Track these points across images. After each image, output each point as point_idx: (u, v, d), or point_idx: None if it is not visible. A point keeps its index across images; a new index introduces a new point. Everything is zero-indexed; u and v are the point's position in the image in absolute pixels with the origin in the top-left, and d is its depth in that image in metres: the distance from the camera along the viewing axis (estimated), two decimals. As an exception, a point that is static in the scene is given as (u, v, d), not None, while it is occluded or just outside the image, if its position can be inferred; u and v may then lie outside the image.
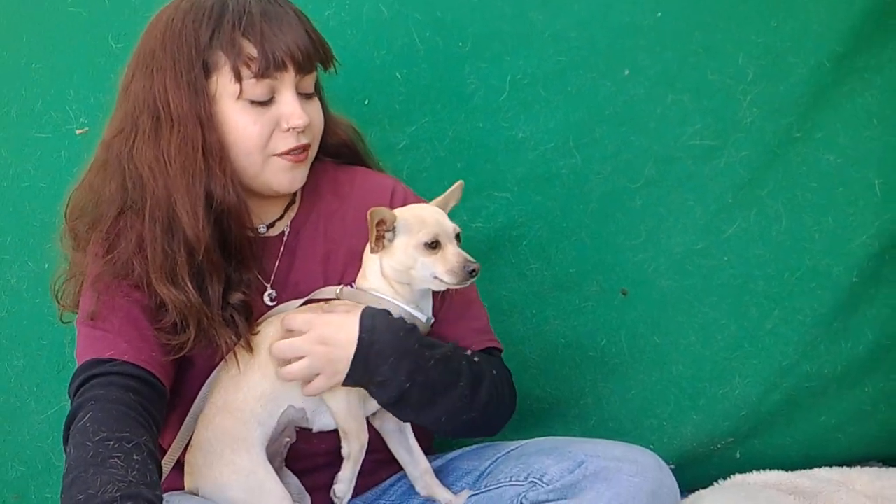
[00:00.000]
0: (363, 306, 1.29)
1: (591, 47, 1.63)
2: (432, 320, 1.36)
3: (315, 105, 1.37)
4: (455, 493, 1.38)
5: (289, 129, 1.31)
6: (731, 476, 1.58)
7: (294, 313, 1.32)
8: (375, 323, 1.27)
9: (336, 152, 1.48)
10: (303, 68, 1.30)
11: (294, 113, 1.30)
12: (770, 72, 1.61)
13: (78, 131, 1.65)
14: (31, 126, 1.66)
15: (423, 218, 1.31)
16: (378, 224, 1.29)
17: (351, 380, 1.28)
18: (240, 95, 1.29)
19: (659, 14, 1.62)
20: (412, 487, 1.40)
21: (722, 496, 1.34)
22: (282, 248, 1.41)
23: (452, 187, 1.37)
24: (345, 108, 1.52)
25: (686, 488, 1.32)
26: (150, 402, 1.23)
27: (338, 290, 1.35)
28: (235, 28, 1.27)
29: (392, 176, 1.53)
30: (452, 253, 1.30)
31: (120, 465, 1.09)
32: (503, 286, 1.68)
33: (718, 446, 1.68)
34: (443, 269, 1.29)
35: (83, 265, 1.33)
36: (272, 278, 1.40)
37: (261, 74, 1.27)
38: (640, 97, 1.64)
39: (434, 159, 1.66)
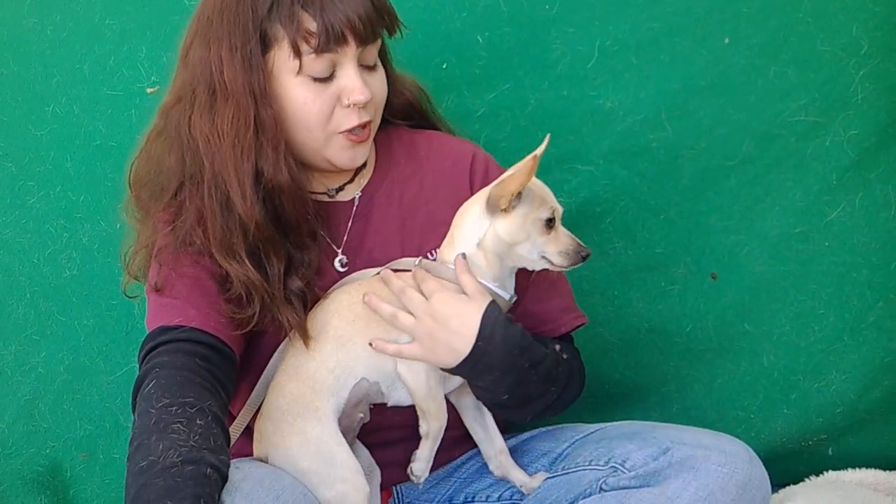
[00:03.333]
0: (490, 298, 1.31)
1: (688, 13, 1.62)
2: (515, 298, 1.38)
3: (378, 76, 1.38)
4: (530, 474, 1.41)
5: (350, 105, 1.33)
6: (824, 473, 1.58)
7: (427, 275, 1.34)
8: (495, 332, 1.29)
9: (403, 114, 1.51)
10: (365, 40, 1.32)
11: (355, 88, 1.32)
12: (887, 44, 1.58)
13: (149, 90, 1.71)
14: (103, 84, 1.73)
15: (545, 192, 1.33)
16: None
17: (450, 371, 1.32)
18: (299, 71, 1.31)
19: (765, -22, 1.59)
20: (485, 465, 1.44)
21: (816, 494, 1.35)
22: (352, 214, 1.45)
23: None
24: (421, 72, 1.55)
25: (774, 483, 1.32)
26: (218, 367, 1.28)
27: (416, 262, 1.38)
28: (295, 2, 1.28)
29: (470, 140, 1.55)
30: (565, 234, 1.33)
31: (182, 431, 1.14)
32: (584, 265, 1.65)
33: (810, 443, 1.68)
34: (554, 250, 1.31)
35: (150, 236, 1.39)
36: (343, 244, 1.44)
37: (321, 49, 1.29)
38: (740, 68, 1.62)
39: (514, 128, 1.67)
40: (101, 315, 1.79)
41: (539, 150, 1.29)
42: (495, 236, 1.33)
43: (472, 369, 1.31)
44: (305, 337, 1.34)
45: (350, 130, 1.35)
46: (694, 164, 1.66)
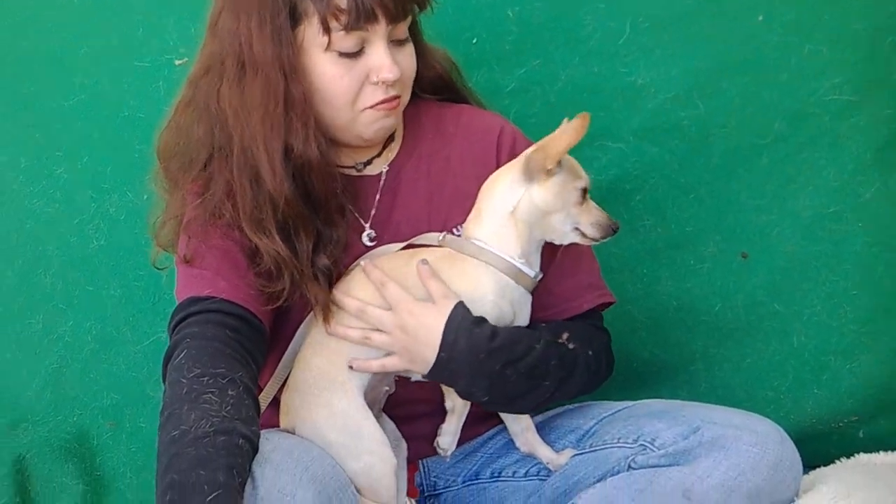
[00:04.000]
0: (455, 301, 1.29)
1: (722, -11, 1.59)
2: (541, 276, 1.37)
3: (407, 52, 1.36)
4: (557, 451, 1.40)
5: (378, 82, 1.31)
6: (855, 455, 1.55)
7: (387, 279, 1.33)
8: (459, 337, 1.27)
9: (432, 87, 1.48)
10: (395, 17, 1.29)
11: (384, 66, 1.30)
12: (925, 22, 1.55)
13: (177, 62, 1.69)
14: (131, 55, 1.72)
15: (577, 164, 1.33)
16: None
17: (425, 378, 1.32)
18: (328, 47, 1.29)
19: (801, -46, 1.56)
20: (511, 441, 1.43)
21: (848, 476, 1.32)
22: (380, 188, 1.43)
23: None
24: (451, 47, 1.53)
25: (804, 465, 1.30)
26: (248, 338, 1.27)
27: (440, 237, 1.37)
28: None
29: (499, 114, 1.53)
30: (595, 206, 1.32)
31: (214, 401, 1.14)
32: (613, 243, 1.59)
33: (840, 424, 1.66)
34: (587, 222, 1.31)
35: (179, 207, 1.37)
36: (371, 218, 1.43)
37: (350, 27, 1.27)
38: (774, 45, 1.59)
39: (544, 104, 1.65)
40: (129, 285, 1.78)
41: (586, 116, 1.27)
42: (530, 204, 1.31)
43: (440, 376, 1.31)
44: (328, 315, 1.33)
45: (377, 104, 1.33)
46: (725, 142, 1.63)
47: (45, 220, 1.79)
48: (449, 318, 1.28)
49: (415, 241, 1.39)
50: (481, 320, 1.30)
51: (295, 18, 1.29)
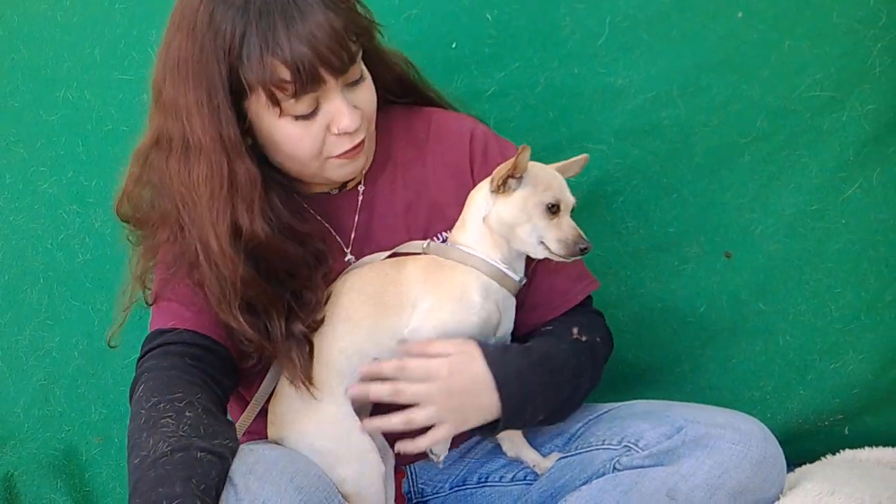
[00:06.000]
0: (471, 343, 1.30)
1: (700, -14, 1.60)
2: (525, 280, 1.38)
3: (365, 87, 1.34)
4: (543, 455, 1.41)
5: (340, 133, 1.31)
6: (840, 451, 1.56)
7: (405, 360, 1.31)
8: (508, 370, 1.29)
9: (398, 89, 1.47)
10: (342, 69, 1.27)
11: (343, 118, 1.29)
12: (906, 15, 1.55)
13: (160, 74, 1.72)
14: (114, 68, 1.74)
15: (553, 180, 1.34)
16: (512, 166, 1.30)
17: (498, 429, 1.32)
18: (281, 114, 1.27)
19: (778, -51, 1.56)
20: (498, 446, 1.44)
21: (833, 473, 1.33)
22: (358, 206, 1.44)
23: (575, 158, 1.39)
24: (430, 51, 1.55)
25: (790, 462, 1.32)
26: (211, 365, 1.30)
27: (424, 245, 1.38)
28: (263, 51, 1.22)
29: (468, 115, 1.53)
30: (568, 224, 1.32)
31: (171, 424, 1.16)
32: (597, 245, 1.61)
33: (826, 423, 1.67)
34: (553, 237, 1.31)
35: (149, 261, 1.38)
36: (352, 235, 1.44)
37: (298, 94, 1.25)
38: (754, 42, 1.60)
39: (524, 107, 1.66)
40: (115, 299, 1.73)
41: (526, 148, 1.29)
42: (497, 215, 1.34)
43: (515, 413, 1.30)
44: (310, 383, 1.31)
45: (344, 154, 1.33)
46: (707, 142, 1.64)
47: (31, 236, 1.80)
48: (485, 357, 1.28)
49: (399, 249, 1.40)
50: (504, 346, 1.32)
51: (239, 92, 1.26)
